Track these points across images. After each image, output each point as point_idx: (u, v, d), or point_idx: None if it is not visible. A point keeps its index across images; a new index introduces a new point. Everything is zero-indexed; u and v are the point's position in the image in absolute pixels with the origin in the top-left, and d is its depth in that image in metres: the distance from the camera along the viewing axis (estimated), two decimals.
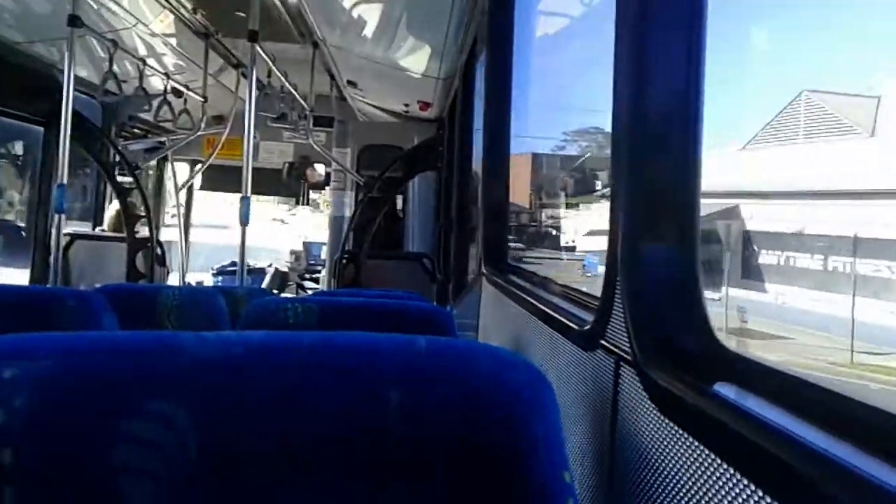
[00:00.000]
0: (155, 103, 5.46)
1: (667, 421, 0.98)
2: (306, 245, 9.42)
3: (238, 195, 4.42)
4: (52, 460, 0.75)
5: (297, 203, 8.03)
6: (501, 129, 3.13)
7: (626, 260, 1.18)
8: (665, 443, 0.98)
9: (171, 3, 4.61)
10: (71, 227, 5.39)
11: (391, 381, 0.80)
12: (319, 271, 8.40)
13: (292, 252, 9.38)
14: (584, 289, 1.90)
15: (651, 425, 1.03)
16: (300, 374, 0.80)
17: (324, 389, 0.80)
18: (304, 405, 0.79)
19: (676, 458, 0.94)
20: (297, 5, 4.57)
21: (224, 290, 2.63)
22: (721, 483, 0.82)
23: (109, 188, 5.86)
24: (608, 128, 1.30)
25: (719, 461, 0.83)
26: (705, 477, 0.86)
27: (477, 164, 3.96)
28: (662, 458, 0.98)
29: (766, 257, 2.62)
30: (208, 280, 8.36)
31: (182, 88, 5.73)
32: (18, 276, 5.07)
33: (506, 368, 0.83)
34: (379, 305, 1.81)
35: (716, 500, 0.83)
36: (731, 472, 0.80)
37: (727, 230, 2.68)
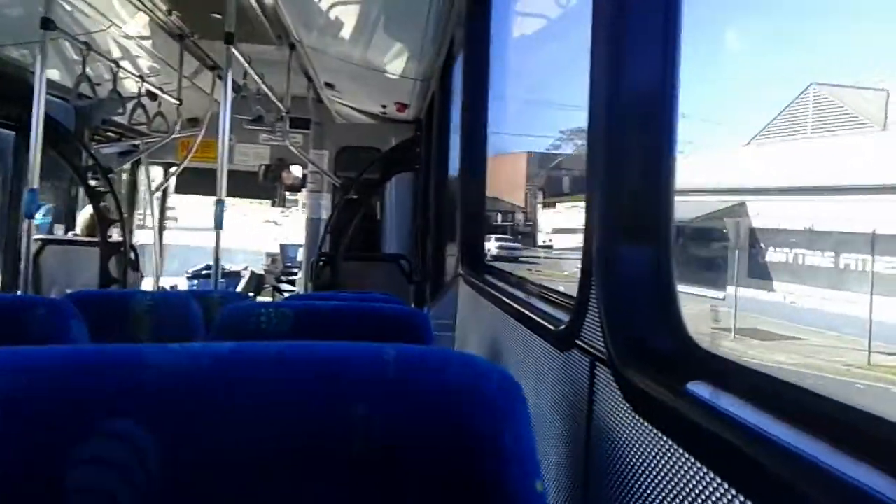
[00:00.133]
0: (129, 106, 5.40)
1: (641, 421, 0.99)
2: (283, 247, 9.35)
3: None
4: (12, 480, 0.73)
5: (273, 205, 7.98)
6: (478, 130, 3.14)
7: (600, 260, 1.19)
8: (640, 443, 0.98)
9: (145, 5, 4.56)
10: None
11: (359, 394, 0.79)
12: (296, 273, 8.35)
13: (268, 254, 9.32)
14: (561, 288, 1.90)
15: (626, 425, 1.03)
16: (267, 387, 0.78)
17: (291, 402, 0.78)
18: (271, 418, 0.77)
19: (651, 458, 0.94)
20: (273, 7, 4.54)
21: (198, 295, 2.60)
22: (695, 482, 0.82)
23: (82, 192, 5.78)
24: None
25: (693, 460, 0.83)
26: (679, 476, 0.86)
27: (454, 166, 3.96)
28: (637, 458, 0.98)
29: (774, 255, 2.54)
30: (183, 284, 8.27)
31: (157, 91, 5.67)
32: None
33: (478, 378, 0.82)
34: (354, 309, 1.79)
35: (690, 500, 0.83)
36: (705, 471, 0.80)
37: (735, 227, 2.63)
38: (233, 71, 4.41)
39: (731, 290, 2.57)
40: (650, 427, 0.95)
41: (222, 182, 4.35)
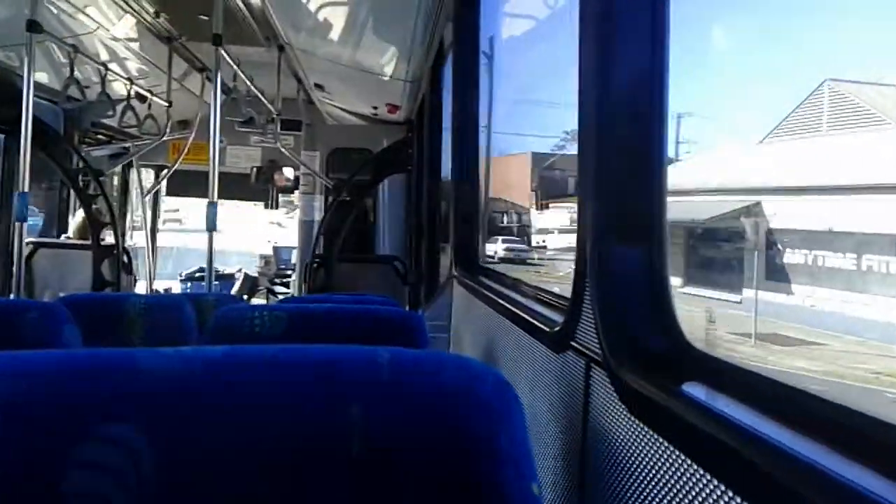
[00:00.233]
0: (118, 109, 5.38)
1: (637, 422, 0.99)
2: (276, 249, 9.31)
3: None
4: (8, 483, 0.73)
5: (266, 207, 7.96)
6: (470, 130, 3.13)
7: (595, 261, 1.19)
8: (636, 443, 0.98)
9: (132, 7, 4.54)
10: None
11: (354, 397, 0.79)
12: (290, 276, 8.33)
13: (262, 256, 9.28)
14: (556, 289, 1.89)
15: (622, 426, 1.03)
16: (262, 390, 0.78)
17: (285, 405, 0.78)
18: (265, 422, 0.77)
19: (647, 459, 0.94)
20: (261, 8, 4.53)
21: (192, 298, 2.59)
22: (690, 482, 0.82)
23: (74, 195, 5.76)
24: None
25: (689, 461, 0.83)
26: (674, 476, 0.86)
27: (447, 167, 3.96)
28: (633, 458, 0.98)
29: (792, 256, 2.45)
30: (177, 287, 8.24)
31: (146, 93, 5.65)
32: None
33: (472, 380, 0.82)
34: (348, 312, 1.79)
35: (685, 500, 0.83)
36: (700, 471, 0.81)
37: (752, 228, 2.54)
38: (222, 73, 4.39)
39: (747, 292, 2.49)
40: (646, 428, 0.96)
41: (214, 184, 4.34)
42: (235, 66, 5.17)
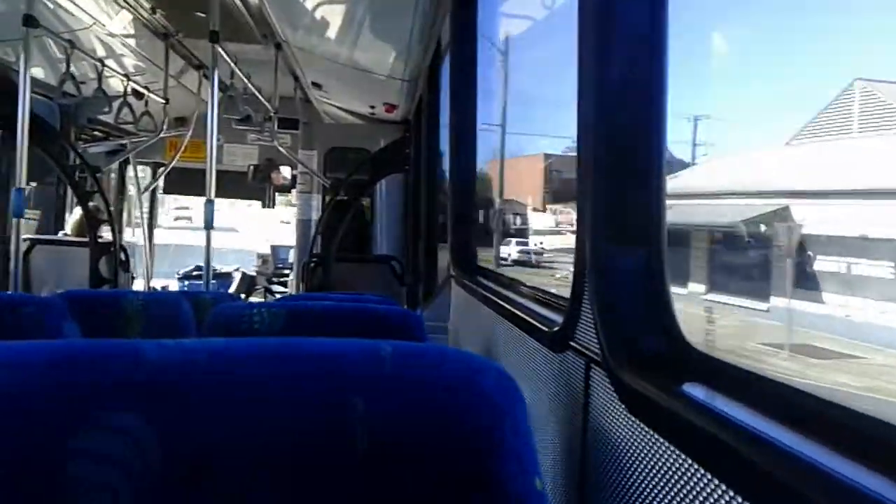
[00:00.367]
0: (115, 105, 5.37)
1: (637, 422, 0.99)
2: (274, 248, 9.30)
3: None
4: (8, 473, 0.72)
5: (264, 206, 7.95)
6: (468, 130, 3.13)
7: (594, 261, 1.19)
8: (636, 443, 0.98)
9: (128, 3, 4.53)
10: None
11: (355, 389, 0.79)
12: (287, 275, 8.32)
13: (259, 255, 9.27)
14: (553, 290, 1.89)
15: (622, 426, 1.03)
16: (262, 381, 0.78)
17: (287, 397, 0.78)
18: (267, 414, 0.77)
19: (647, 459, 0.94)
20: (258, 5, 4.52)
21: (189, 296, 2.59)
22: (690, 482, 0.82)
23: (71, 192, 5.74)
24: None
25: (689, 461, 0.84)
26: (674, 476, 0.86)
27: (444, 166, 3.96)
28: (633, 458, 0.98)
29: (825, 264, 2.30)
30: (174, 285, 8.23)
31: (142, 90, 5.64)
32: None
33: (474, 374, 0.82)
34: (346, 310, 1.79)
35: (687, 500, 0.83)
36: (700, 470, 0.81)
37: (785, 233, 2.41)
38: (219, 70, 4.39)
39: (774, 300, 2.37)
40: (646, 428, 0.96)
41: (211, 182, 4.34)
42: (232, 64, 5.17)
